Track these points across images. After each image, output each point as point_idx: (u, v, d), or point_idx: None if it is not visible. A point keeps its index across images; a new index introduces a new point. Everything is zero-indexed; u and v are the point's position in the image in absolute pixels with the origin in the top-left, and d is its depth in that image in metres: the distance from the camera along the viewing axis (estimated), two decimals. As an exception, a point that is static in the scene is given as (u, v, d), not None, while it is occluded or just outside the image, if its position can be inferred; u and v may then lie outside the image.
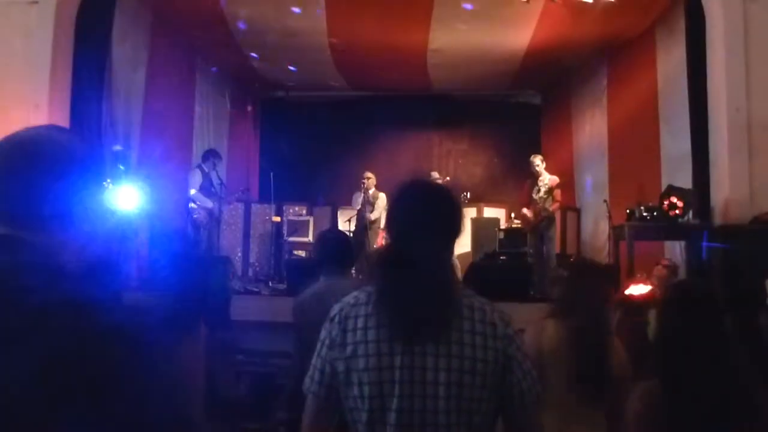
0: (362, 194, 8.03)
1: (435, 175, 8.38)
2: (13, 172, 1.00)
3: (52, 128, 1.08)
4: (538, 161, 7.64)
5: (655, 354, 1.74)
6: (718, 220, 5.06)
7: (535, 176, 7.60)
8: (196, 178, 7.17)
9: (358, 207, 8.01)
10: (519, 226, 7.99)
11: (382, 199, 7.82)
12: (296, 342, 2.92)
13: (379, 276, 1.55)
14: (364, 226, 7.82)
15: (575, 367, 2.33)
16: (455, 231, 1.59)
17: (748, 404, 1.57)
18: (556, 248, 8.01)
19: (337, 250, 3.11)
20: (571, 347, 2.39)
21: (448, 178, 8.41)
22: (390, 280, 1.52)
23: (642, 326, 3.26)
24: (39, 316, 0.87)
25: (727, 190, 5.02)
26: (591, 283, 2.64)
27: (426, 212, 1.55)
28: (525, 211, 7.66)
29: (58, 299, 0.89)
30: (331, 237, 3.35)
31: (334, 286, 2.73)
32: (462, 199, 8.20)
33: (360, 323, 1.50)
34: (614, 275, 5.56)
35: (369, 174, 8.05)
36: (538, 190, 7.53)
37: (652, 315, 1.81)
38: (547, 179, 7.54)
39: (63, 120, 5.48)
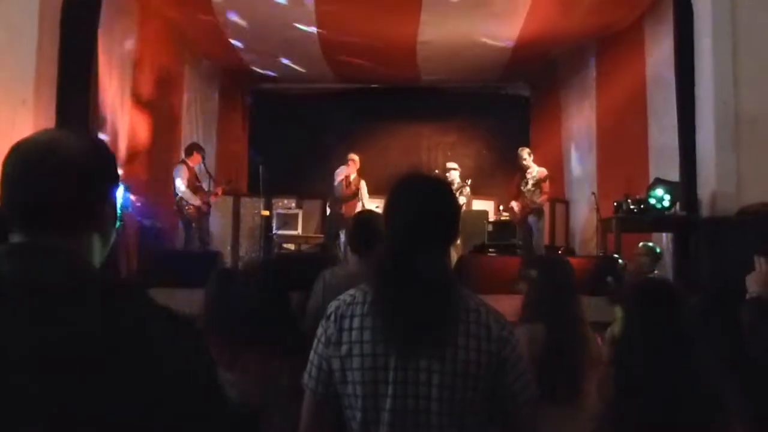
0: (344, 174, 8.10)
1: (453, 165, 8.45)
2: (33, 176, 0.98)
3: (64, 131, 1.08)
4: (525, 154, 7.70)
5: (616, 352, 1.77)
6: (705, 212, 5.12)
7: (523, 169, 7.66)
8: (182, 173, 7.11)
9: (340, 178, 8.10)
10: (508, 218, 8.03)
11: (364, 188, 7.99)
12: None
13: (377, 278, 1.55)
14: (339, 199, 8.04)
15: (550, 372, 2.32)
16: (454, 234, 1.61)
17: (706, 403, 1.60)
18: (545, 240, 8.08)
19: (371, 231, 2.97)
20: (544, 351, 2.37)
21: (437, 171, 8.40)
22: (388, 283, 1.52)
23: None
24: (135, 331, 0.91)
25: (713, 183, 5.07)
26: (560, 280, 2.61)
27: (426, 213, 1.55)
28: (513, 204, 7.73)
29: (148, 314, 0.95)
30: (364, 218, 3.31)
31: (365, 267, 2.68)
32: (464, 184, 8.24)
33: (356, 323, 1.51)
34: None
35: (355, 156, 8.14)
36: (526, 183, 7.61)
37: (617, 311, 1.83)
38: (535, 171, 7.60)
39: (50, 115, 5.42)
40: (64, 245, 0.97)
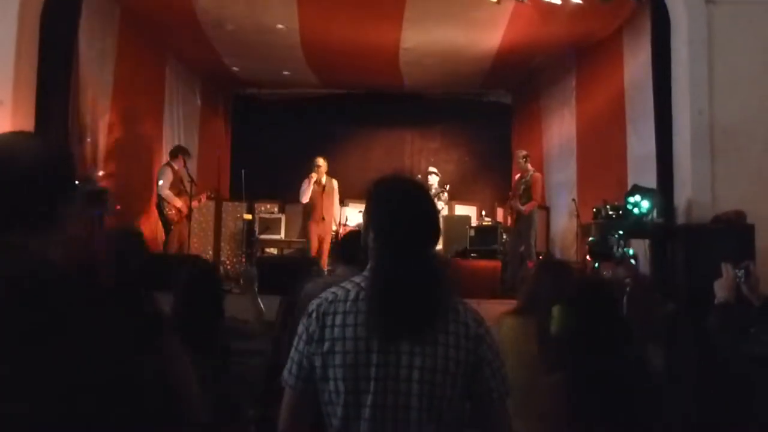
0: (310, 183, 7.67)
1: (433, 170, 8.47)
2: None
3: (20, 134, 1.14)
4: (521, 157, 7.61)
5: (558, 349, 1.81)
6: (681, 219, 5.20)
7: (519, 172, 7.62)
8: (166, 175, 7.08)
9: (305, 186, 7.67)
10: (490, 223, 8.09)
11: (335, 186, 7.88)
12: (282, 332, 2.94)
13: (368, 278, 1.57)
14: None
15: (538, 359, 2.37)
16: (436, 235, 1.63)
17: (648, 400, 1.64)
18: (533, 248, 8.05)
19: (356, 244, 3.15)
20: (532, 341, 2.42)
21: (419, 176, 8.44)
22: (377, 281, 1.54)
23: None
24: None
25: (689, 191, 5.16)
26: (554, 279, 2.68)
27: (411, 212, 1.58)
28: (511, 203, 7.69)
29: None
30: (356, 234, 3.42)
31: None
32: (443, 190, 8.28)
33: (338, 320, 1.53)
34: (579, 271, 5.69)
35: (321, 161, 7.72)
36: (519, 187, 7.57)
37: (555, 311, 1.87)
38: (528, 176, 7.53)
39: (28, 117, 5.37)
40: (26, 242, 1.06)
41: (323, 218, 7.74)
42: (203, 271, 2.97)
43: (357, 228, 7.08)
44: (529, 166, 7.59)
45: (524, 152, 7.76)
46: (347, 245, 3.32)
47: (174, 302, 2.71)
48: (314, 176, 7.68)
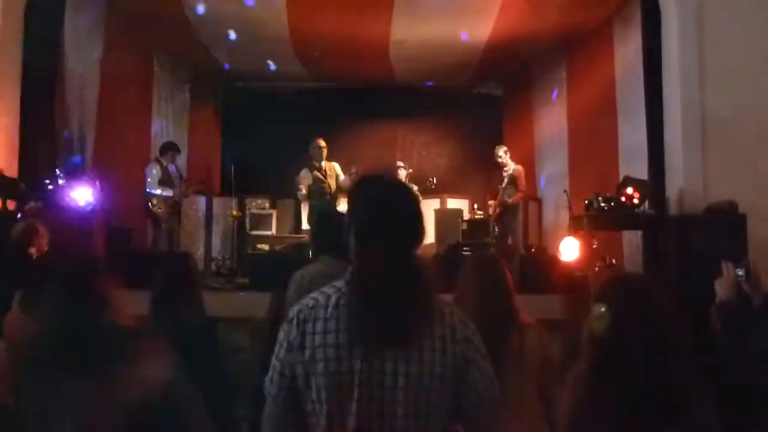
0: (312, 169, 7.34)
1: (400, 164, 8.38)
2: None
3: None
4: (501, 152, 7.77)
5: (597, 346, 1.77)
6: (673, 210, 5.20)
7: (500, 167, 7.72)
8: (155, 171, 7.01)
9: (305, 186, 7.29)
10: (482, 217, 8.08)
11: (337, 168, 7.42)
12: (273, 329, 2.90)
13: (348, 282, 1.52)
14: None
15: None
16: (421, 232, 1.57)
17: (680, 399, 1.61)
18: (521, 238, 8.12)
19: (340, 231, 3.08)
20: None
21: (411, 171, 8.40)
22: (357, 285, 1.50)
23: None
24: None
25: (681, 181, 5.16)
26: (482, 276, 2.55)
27: (392, 213, 1.53)
28: (490, 202, 7.79)
29: None
30: (334, 218, 3.35)
31: (339, 267, 2.67)
32: (428, 185, 8.23)
33: (319, 327, 1.48)
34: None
35: (322, 142, 7.38)
36: (503, 181, 7.67)
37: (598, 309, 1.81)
38: (511, 169, 7.67)
39: (14, 112, 5.30)
40: None
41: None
42: (177, 264, 2.92)
43: (324, 206, 6.82)
44: (509, 159, 7.74)
45: (504, 147, 7.90)
46: (322, 229, 3.25)
47: (152, 300, 2.66)
48: (314, 163, 7.27)
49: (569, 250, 5.44)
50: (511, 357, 2.37)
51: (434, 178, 8.41)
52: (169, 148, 7.26)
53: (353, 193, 1.61)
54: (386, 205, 1.54)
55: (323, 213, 3.60)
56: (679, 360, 1.62)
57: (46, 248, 3.86)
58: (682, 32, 5.20)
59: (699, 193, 5.04)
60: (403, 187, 1.65)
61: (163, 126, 8.59)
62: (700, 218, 4.85)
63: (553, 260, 5.85)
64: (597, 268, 5.51)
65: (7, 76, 5.24)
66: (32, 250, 3.77)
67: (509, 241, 7.68)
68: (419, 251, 1.60)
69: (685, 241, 4.71)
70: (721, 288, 2.32)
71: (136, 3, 6.99)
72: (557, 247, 7.37)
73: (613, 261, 5.94)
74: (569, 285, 4.97)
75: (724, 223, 4.65)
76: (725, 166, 5.04)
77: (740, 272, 2.39)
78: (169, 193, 6.98)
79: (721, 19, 5.20)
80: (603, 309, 1.77)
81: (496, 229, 7.83)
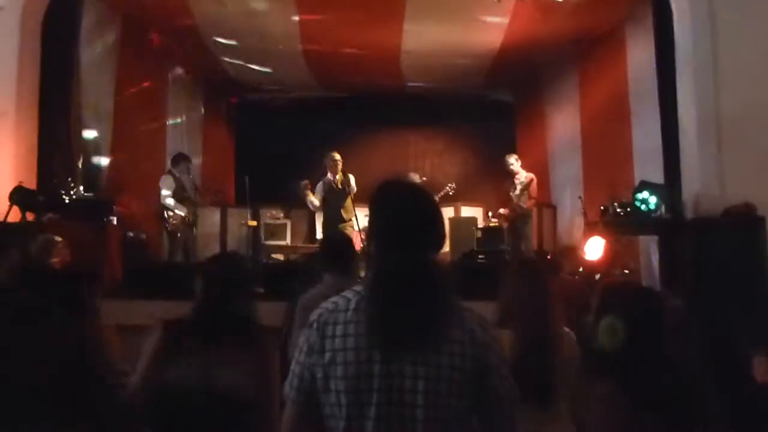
0: (327, 182, 7.47)
1: (414, 176, 8.37)
2: None
3: None
4: (512, 160, 7.83)
5: (616, 357, 1.75)
6: (689, 214, 5.13)
7: (511, 175, 7.73)
8: (168, 183, 7.06)
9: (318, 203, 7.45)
10: (496, 224, 8.05)
11: (352, 180, 7.48)
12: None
13: (368, 286, 1.53)
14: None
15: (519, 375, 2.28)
16: (441, 238, 1.58)
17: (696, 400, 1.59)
18: (534, 245, 8.09)
19: (342, 250, 3.28)
20: (513, 354, 2.28)
21: (425, 178, 8.39)
22: (377, 289, 1.50)
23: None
24: None
25: (697, 185, 5.10)
26: (532, 284, 2.54)
27: (411, 217, 1.54)
28: (502, 210, 7.81)
29: None
30: (335, 237, 3.49)
31: (340, 286, 2.68)
32: (448, 191, 8.22)
33: (339, 330, 1.49)
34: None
35: (336, 156, 7.49)
36: (515, 189, 7.69)
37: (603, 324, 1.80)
38: (523, 177, 7.69)
39: (31, 127, 5.38)
40: None
41: (348, 220, 7.35)
42: (234, 260, 2.79)
43: (337, 231, 6.97)
44: (520, 167, 7.86)
45: (515, 155, 8.00)
46: (332, 249, 3.38)
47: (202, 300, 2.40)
48: (329, 176, 7.45)
49: (594, 249, 5.39)
50: (559, 364, 2.39)
51: (454, 184, 8.38)
52: (182, 159, 7.31)
53: (375, 199, 1.61)
54: (408, 210, 1.55)
55: (332, 235, 3.74)
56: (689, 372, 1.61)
57: (69, 258, 3.90)
58: (696, 33, 5.15)
59: (716, 196, 4.96)
60: (424, 193, 1.65)
61: (177, 138, 8.66)
62: (718, 221, 4.78)
63: (554, 267, 5.81)
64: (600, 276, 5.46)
65: (26, 93, 5.33)
66: (55, 260, 3.82)
67: (522, 248, 7.67)
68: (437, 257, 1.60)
69: (702, 244, 4.64)
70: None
71: (150, 18, 7.08)
72: (556, 253, 7.36)
73: (626, 271, 5.86)
74: (566, 293, 4.91)
75: (742, 226, 4.59)
76: (742, 168, 4.97)
77: None
78: (183, 212, 7.02)
79: (734, 19, 5.14)
80: (611, 321, 1.76)
81: (508, 237, 7.83)
